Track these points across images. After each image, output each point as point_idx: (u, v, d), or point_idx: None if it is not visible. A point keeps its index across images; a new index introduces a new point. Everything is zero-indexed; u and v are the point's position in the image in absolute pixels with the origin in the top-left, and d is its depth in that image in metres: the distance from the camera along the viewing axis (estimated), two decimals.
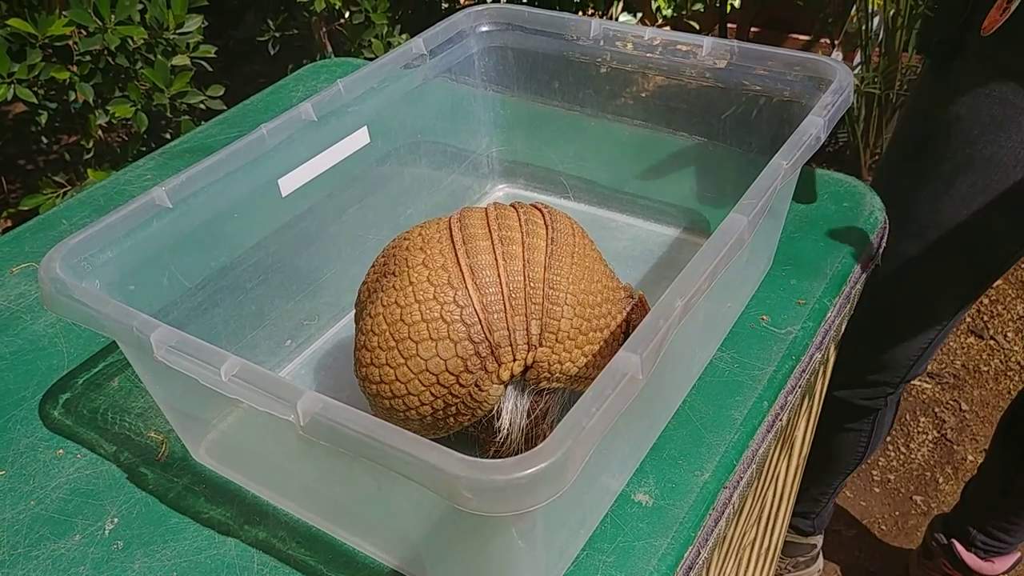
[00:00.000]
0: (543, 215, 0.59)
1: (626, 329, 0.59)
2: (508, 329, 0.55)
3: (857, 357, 1.18)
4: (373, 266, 0.60)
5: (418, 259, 0.56)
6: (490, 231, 0.57)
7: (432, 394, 0.55)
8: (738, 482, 0.62)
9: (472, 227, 0.57)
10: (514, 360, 0.55)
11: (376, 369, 0.55)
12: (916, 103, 1.11)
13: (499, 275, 0.55)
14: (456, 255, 0.56)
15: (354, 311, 0.76)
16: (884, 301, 1.13)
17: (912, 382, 1.94)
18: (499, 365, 0.55)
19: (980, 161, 1.01)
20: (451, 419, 0.56)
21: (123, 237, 0.58)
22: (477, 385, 0.55)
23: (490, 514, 0.41)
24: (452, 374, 0.54)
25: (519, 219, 0.58)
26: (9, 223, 2.24)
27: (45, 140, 2.34)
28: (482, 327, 0.54)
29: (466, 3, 2.56)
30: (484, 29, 0.82)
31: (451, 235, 0.57)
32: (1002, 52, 0.96)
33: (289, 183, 0.68)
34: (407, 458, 0.41)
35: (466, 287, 0.54)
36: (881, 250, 0.83)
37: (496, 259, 0.56)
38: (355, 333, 0.58)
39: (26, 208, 1.74)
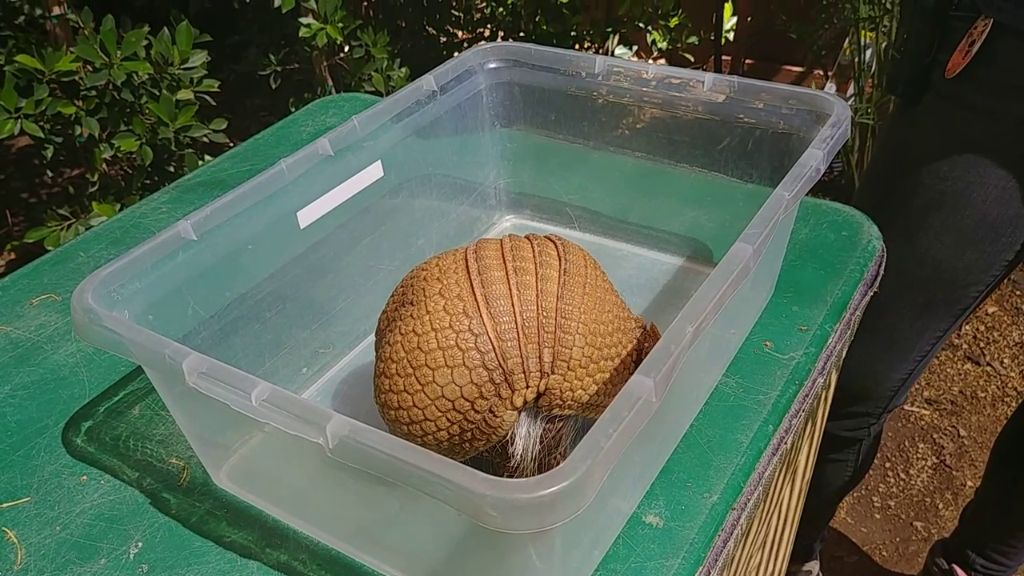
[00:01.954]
0: (556, 247, 0.62)
1: (637, 357, 0.61)
2: (521, 357, 0.57)
3: (838, 389, 1.20)
4: (392, 296, 0.62)
5: (435, 289, 0.58)
6: (504, 262, 0.59)
7: (448, 420, 0.56)
8: (745, 504, 0.63)
9: (487, 258, 0.59)
10: (527, 387, 0.57)
11: (395, 395, 0.57)
12: (887, 140, 1.14)
13: (513, 304, 0.57)
14: (471, 285, 0.57)
15: (370, 339, 0.78)
16: (862, 333, 1.15)
17: (910, 408, 1.96)
18: (512, 392, 0.57)
19: (951, 196, 1.03)
20: (467, 444, 0.58)
21: (150, 268, 0.60)
22: (491, 411, 0.57)
23: (513, 531, 0.42)
24: (467, 400, 0.56)
25: (533, 250, 0.61)
26: (13, 256, 2.26)
27: (49, 173, 2.36)
28: (496, 355, 0.56)
29: (463, 36, 2.61)
30: (492, 66, 0.85)
31: (467, 266, 0.59)
32: (967, 92, 0.99)
33: (307, 215, 0.70)
34: (434, 478, 0.43)
35: (480, 316, 0.56)
36: (879, 278, 0.86)
37: (510, 289, 0.58)
38: (375, 361, 0.60)
39: (30, 241, 1.76)
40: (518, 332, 0.57)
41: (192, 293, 0.64)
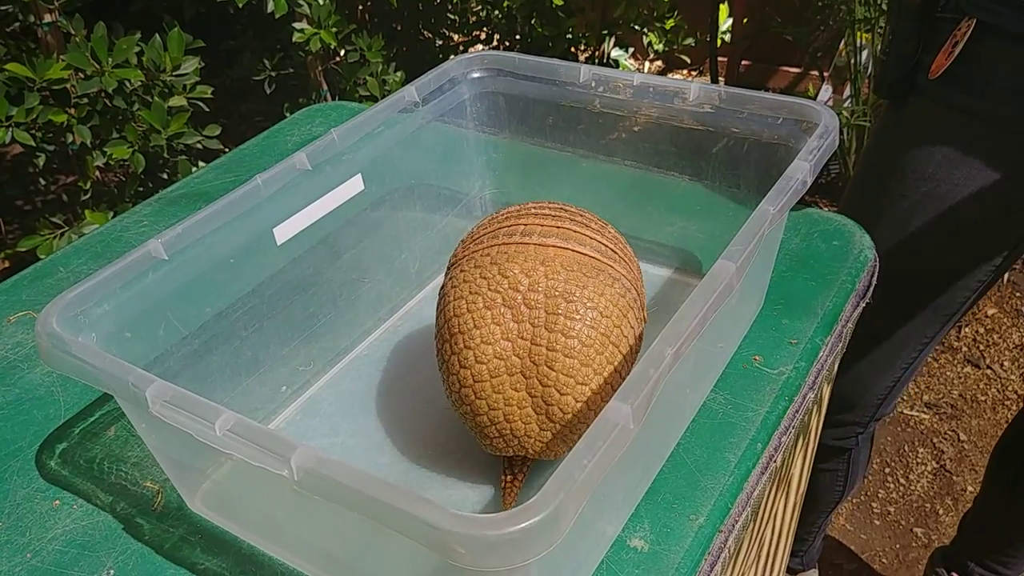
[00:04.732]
0: (528, 215, 0.67)
1: None
2: (636, 277, 0.65)
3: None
4: (509, 308, 0.60)
5: (559, 276, 0.60)
6: (559, 224, 0.64)
7: (626, 361, 0.61)
8: (733, 526, 0.62)
9: (553, 230, 0.64)
10: (644, 298, 0.66)
11: (599, 375, 0.59)
12: (874, 143, 1.13)
13: (608, 244, 0.64)
14: (582, 255, 0.62)
15: (353, 355, 0.77)
16: (848, 340, 1.14)
17: (909, 413, 1.95)
18: (643, 310, 0.65)
19: (934, 199, 1.02)
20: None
21: (119, 289, 0.58)
22: (639, 337, 0.63)
23: (483, 569, 0.41)
24: (637, 338, 0.62)
25: (543, 217, 0.66)
26: (7, 264, 2.25)
27: (43, 181, 2.35)
28: (633, 288, 0.63)
29: (459, 40, 2.59)
30: (475, 75, 0.83)
31: (554, 247, 0.63)
32: (950, 93, 0.98)
33: (284, 232, 0.68)
34: (400, 514, 0.41)
35: (610, 264, 0.63)
36: (871, 288, 0.84)
37: (590, 238, 0.64)
38: (535, 386, 0.59)
39: (23, 249, 1.74)
40: (625, 261, 0.65)
41: (165, 313, 0.62)
